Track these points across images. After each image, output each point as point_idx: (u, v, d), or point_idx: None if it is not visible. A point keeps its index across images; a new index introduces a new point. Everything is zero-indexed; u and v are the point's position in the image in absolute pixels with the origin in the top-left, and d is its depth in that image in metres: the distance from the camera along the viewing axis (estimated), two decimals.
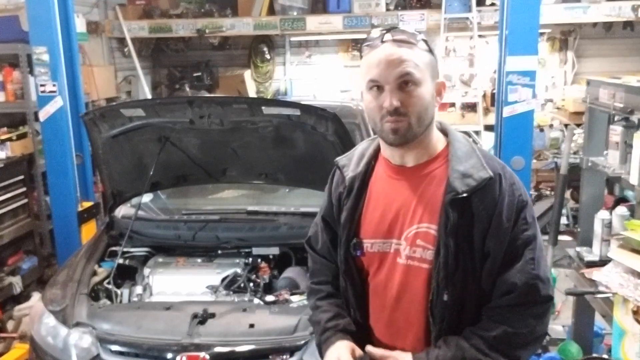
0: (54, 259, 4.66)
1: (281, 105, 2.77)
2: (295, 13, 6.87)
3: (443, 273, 1.40)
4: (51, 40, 4.06)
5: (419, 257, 1.45)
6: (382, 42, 1.42)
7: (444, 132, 1.54)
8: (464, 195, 1.39)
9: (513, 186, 1.44)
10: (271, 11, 6.96)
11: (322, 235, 1.69)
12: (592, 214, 3.23)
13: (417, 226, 1.46)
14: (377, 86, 1.42)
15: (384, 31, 1.44)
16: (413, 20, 6.53)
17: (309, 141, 2.81)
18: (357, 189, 1.55)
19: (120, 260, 2.95)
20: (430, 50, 1.46)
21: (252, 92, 7.54)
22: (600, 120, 4.53)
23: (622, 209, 3.33)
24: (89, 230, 4.30)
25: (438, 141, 1.51)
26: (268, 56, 7.79)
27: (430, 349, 1.45)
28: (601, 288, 2.56)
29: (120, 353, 2.36)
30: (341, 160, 1.64)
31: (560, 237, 4.29)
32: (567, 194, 5.76)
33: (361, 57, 1.48)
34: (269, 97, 7.36)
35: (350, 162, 1.60)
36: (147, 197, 3.32)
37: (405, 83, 1.39)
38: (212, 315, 2.42)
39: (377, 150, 1.59)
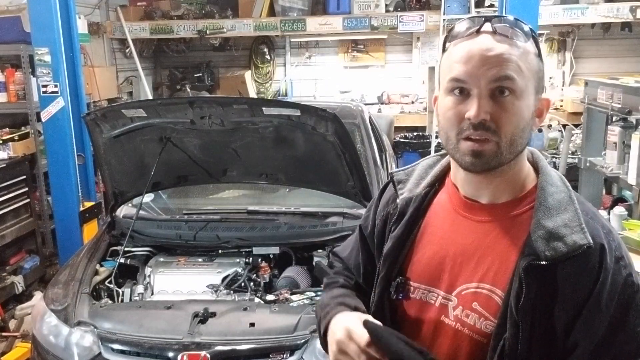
0: (55, 259, 4.68)
1: (281, 106, 2.78)
2: (295, 14, 6.90)
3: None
4: (53, 41, 4.08)
5: (471, 325, 1.10)
6: (478, 32, 1.06)
7: (535, 166, 1.16)
8: (545, 263, 1.02)
9: (620, 262, 1.04)
10: (271, 12, 6.98)
11: (355, 246, 1.38)
12: None
13: (477, 285, 1.10)
14: (460, 89, 1.05)
15: (482, 19, 1.08)
16: (412, 21, 6.57)
17: (309, 141, 2.83)
18: (411, 215, 1.21)
19: (122, 260, 2.96)
20: (540, 55, 1.09)
21: (252, 93, 7.57)
22: (598, 121, 4.56)
23: (620, 209, 3.35)
24: (90, 230, 4.32)
25: (527, 177, 1.14)
26: (268, 57, 7.83)
27: None
28: None
29: (122, 352, 2.37)
30: (398, 174, 1.29)
31: None
32: None
33: (443, 50, 1.12)
34: (269, 98, 7.39)
35: (409, 179, 1.26)
36: (148, 197, 3.33)
37: (501, 91, 1.03)
38: (213, 314, 2.43)
39: (445, 171, 1.23)
